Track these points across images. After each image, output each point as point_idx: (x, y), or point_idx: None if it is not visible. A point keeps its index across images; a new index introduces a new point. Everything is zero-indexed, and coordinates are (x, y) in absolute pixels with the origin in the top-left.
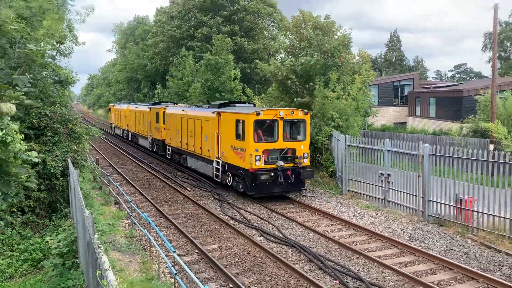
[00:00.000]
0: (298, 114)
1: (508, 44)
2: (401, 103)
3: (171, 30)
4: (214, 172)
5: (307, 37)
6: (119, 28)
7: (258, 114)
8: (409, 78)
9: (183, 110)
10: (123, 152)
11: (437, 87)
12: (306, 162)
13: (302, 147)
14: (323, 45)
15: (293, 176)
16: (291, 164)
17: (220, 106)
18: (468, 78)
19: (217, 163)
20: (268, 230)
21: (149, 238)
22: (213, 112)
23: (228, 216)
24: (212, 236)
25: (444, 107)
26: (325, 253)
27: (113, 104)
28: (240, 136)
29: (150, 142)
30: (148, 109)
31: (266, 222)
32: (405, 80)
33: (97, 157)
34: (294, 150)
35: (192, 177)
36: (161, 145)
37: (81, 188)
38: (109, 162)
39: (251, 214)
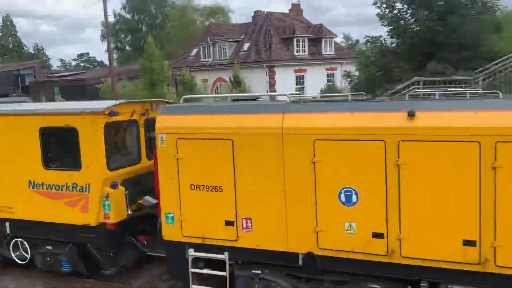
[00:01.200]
0: None
1: (123, 36)
2: (24, 93)
3: None
4: None
5: None
6: None
7: None
8: (30, 67)
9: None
10: None
11: (60, 76)
12: None
13: None
14: None
15: None
16: None
17: None
18: (92, 67)
19: None
20: None
21: None
22: None
23: None
24: None
25: (68, 96)
26: None
27: None
28: None
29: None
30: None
31: None
32: (25, 69)
33: None
34: None
35: None
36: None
37: None
38: None
39: None
